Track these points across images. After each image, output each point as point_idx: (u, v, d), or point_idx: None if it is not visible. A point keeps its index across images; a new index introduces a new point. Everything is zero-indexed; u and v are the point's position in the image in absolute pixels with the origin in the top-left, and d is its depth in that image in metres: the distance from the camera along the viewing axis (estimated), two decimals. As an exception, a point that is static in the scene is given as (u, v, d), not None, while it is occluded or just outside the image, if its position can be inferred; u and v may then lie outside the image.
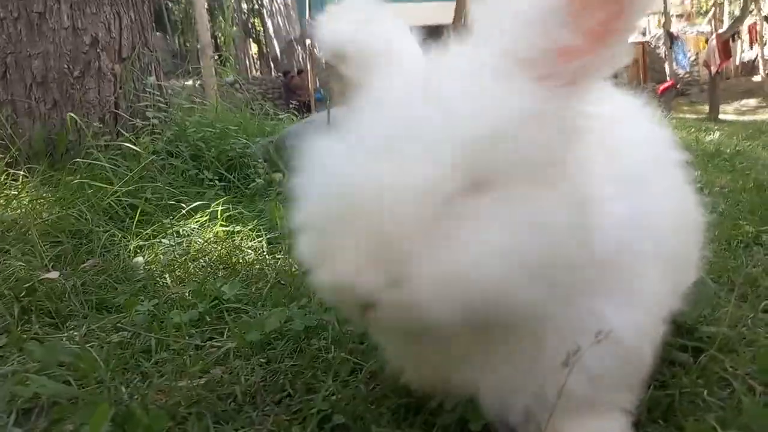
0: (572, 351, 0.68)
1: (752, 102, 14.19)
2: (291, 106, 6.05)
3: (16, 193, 2.17)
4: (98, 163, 2.23)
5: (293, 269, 1.61)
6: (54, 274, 1.39)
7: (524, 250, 0.60)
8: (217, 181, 2.52)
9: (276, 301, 1.37)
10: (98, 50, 2.64)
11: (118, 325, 1.25)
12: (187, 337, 1.15)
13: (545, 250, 0.61)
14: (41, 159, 2.51)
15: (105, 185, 2.06)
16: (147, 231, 1.93)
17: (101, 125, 2.61)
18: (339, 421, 0.84)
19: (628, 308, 0.70)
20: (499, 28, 0.67)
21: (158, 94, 2.84)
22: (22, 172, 2.28)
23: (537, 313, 0.64)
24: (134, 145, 2.51)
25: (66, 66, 2.58)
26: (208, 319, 1.26)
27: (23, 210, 2.01)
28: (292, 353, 1.14)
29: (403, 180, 0.60)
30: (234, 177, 2.63)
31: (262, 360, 1.10)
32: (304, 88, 16.16)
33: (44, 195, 2.16)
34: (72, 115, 2.47)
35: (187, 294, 1.36)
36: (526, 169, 0.63)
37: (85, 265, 1.70)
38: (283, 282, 1.54)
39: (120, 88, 2.71)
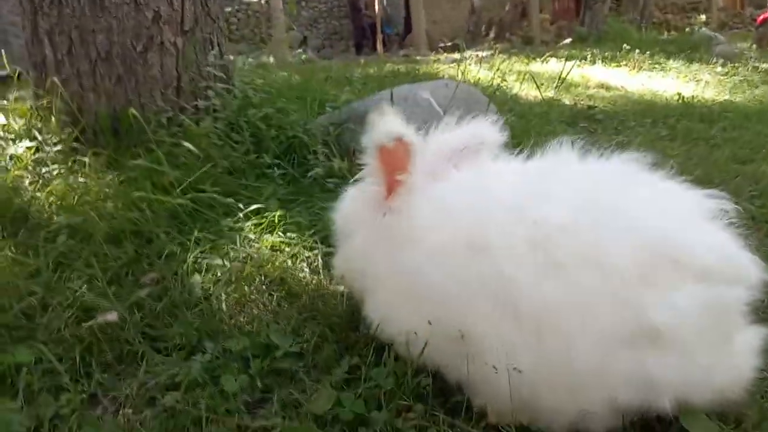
0: None
1: None
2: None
3: (84, 181, 2.21)
4: (158, 166, 2.21)
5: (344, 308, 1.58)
6: (113, 316, 1.41)
7: None
8: (275, 168, 2.48)
9: (327, 358, 1.35)
10: (160, 24, 2.56)
11: (174, 380, 1.27)
12: (237, 414, 1.16)
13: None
14: (107, 135, 2.53)
15: (163, 194, 2.05)
16: (206, 236, 1.93)
17: (164, 102, 2.59)
18: None
19: None
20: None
21: (221, 67, 2.77)
22: (87, 159, 2.31)
23: None
24: (197, 125, 2.50)
25: (129, 41, 2.53)
26: (260, 385, 1.26)
27: (89, 204, 2.05)
28: (341, 438, 1.13)
29: None
30: (293, 161, 2.58)
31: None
32: (371, 6, 15.49)
33: (109, 184, 2.19)
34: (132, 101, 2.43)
35: (239, 346, 1.35)
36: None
37: (144, 278, 1.73)
38: (336, 321, 1.52)
39: (182, 61, 2.65)
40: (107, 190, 2.18)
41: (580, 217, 1.02)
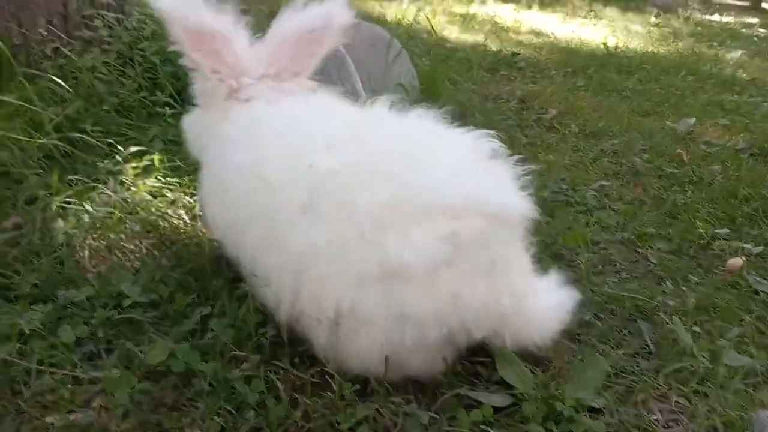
0: None
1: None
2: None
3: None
4: (27, 104, 2.07)
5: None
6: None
7: None
8: (167, 108, 2.38)
9: (180, 308, 1.35)
10: (40, -58, 2.36)
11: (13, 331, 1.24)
12: (69, 366, 1.15)
13: None
14: (-17, 64, 2.36)
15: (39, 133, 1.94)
16: (80, 179, 1.86)
17: (48, 31, 2.41)
18: None
19: None
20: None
21: (112, -7, 2.59)
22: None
23: None
24: (80, 57, 2.35)
25: (5, -40, 2.32)
26: (101, 336, 1.25)
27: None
28: (174, 388, 1.15)
29: None
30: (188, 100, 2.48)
31: (141, 393, 1.11)
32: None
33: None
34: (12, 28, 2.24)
35: (83, 295, 1.33)
36: None
37: (6, 223, 1.66)
38: (199, 268, 1.51)
39: (68, -15, 2.46)
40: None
41: (347, 165, 1.04)
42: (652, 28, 6.58)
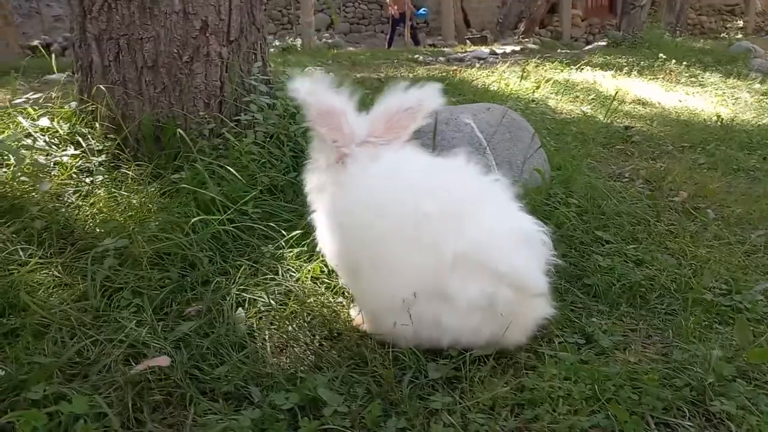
0: None
1: None
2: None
3: (126, 193, 2.22)
4: (201, 188, 2.21)
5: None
6: (164, 361, 1.42)
7: None
8: (316, 189, 2.47)
9: (374, 418, 1.35)
10: (207, 34, 2.55)
11: None
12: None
13: None
14: (149, 143, 2.54)
15: (204, 212, 2.05)
16: (247, 263, 1.94)
17: (206, 113, 2.58)
18: None
19: None
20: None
21: (263, 79, 2.75)
22: (130, 171, 2.32)
23: None
24: (237, 141, 2.49)
25: (176, 50, 2.52)
26: (309, 445, 1.26)
27: (132, 219, 2.06)
28: None
29: None
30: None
31: None
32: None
33: (151, 198, 2.20)
34: (175, 111, 2.42)
35: (288, 402, 1.36)
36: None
37: (189, 310, 1.74)
38: (381, 372, 1.52)
39: (226, 71, 2.64)
40: (150, 205, 2.19)
41: (444, 210, 1.47)
42: (761, 97, 6.34)
